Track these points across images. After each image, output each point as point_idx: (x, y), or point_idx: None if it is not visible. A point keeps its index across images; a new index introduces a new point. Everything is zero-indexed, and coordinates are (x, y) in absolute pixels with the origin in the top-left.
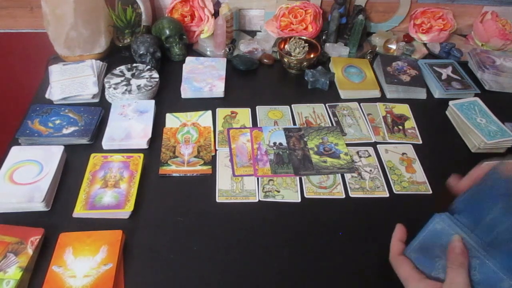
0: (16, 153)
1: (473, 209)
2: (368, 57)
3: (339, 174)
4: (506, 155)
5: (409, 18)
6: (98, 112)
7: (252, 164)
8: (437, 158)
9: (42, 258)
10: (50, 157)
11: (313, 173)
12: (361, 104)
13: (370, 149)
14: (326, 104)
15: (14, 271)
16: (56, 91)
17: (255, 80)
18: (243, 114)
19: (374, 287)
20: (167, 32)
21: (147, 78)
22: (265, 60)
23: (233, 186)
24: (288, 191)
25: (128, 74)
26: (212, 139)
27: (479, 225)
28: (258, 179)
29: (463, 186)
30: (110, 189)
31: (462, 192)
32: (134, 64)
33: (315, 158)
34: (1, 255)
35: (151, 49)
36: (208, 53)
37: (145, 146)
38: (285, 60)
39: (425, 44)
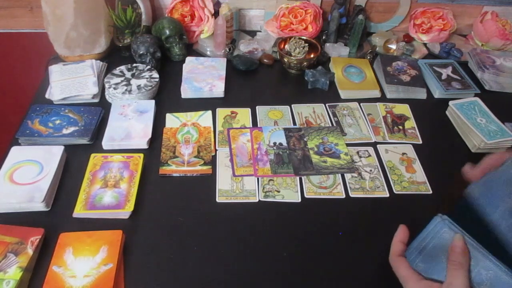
0: (16, 153)
1: (489, 197)
2: (368, 57)
3: (339, 174)
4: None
5: (409, 18)
6: (98, 112)
7: (252, 164)
8: (437, 158)
9: (42, 258)
10: (50, 157)
11: (313, 173)
12: (361, 104)
13: (370, 149)
14: (326, 104)
15: (14, 271)
16: (56, 91)
17: (255, 80)
18: (243, 114)
19: (374, 287)
20: (167, 32)
21: (147, 78)
22: (265, 60)
23: (233, 186)
24: (288, 191)
25: (128, 74)
26: (212, 139)
27: (496, 212)
28: (258, 179)
29: (477, 174)
30: (110, 189)
31: (477, 180)
32: (134, 64)
33: (315, 158)
34: (1, 255)
35: (151, 49)
36: (208, 53)
37: (145, 146)
38: (285, 60)
39: (425, 44)
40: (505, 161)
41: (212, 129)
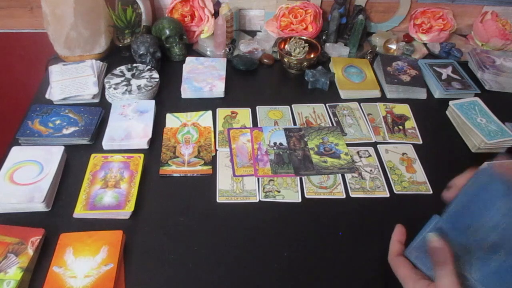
0: (16, 153)
1: (465, 215)
2: (368, 57)
3: (340, 174)
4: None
5: (409, 18)
6: (98, 112)
7: (253, 164)
8: (437, 158)
9: (43, 258)
10: (51, 157)
11: (314, 173)
12: (361, 104)
13: (371, 149)
14: (326, 104)
15: (14, 272)
16: (56, 91)
17: (255, 80)
18: (243, 114)
19: (374, 287)
20: (167, 32)
21: (147, 78)
22: (265, 60)
23: (234, 186)
24: (288, 191)
25: (128, 74)
26: (212, 139)
27: (477, 229)
28: (258, 179)
29: (451, 196)
30: (110, 189)
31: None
32: (134, 64)
33: (315, 158)
34: (1, 256)
35: (151, 49)
36: (208, 53)
37: (145, 146)
38: (285, 60)
39: (425, 44)
40: (477, 175)
41: (212, 129)
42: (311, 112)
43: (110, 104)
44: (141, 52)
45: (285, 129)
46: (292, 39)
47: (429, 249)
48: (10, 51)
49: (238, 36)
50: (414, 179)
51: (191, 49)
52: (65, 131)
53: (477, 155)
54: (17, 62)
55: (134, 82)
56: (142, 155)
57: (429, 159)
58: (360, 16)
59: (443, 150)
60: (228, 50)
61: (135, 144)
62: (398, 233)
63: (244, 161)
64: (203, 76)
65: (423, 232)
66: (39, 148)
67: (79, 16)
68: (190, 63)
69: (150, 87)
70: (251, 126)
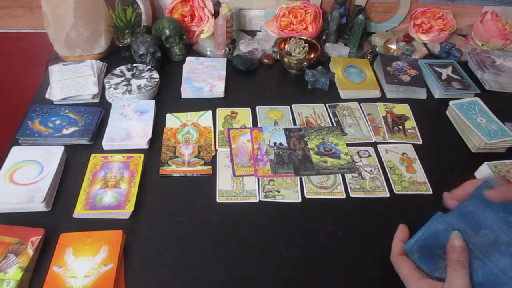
0: (16, 153)
1: (468, 223)
2: (368, 57)
3: (340, 174)
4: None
5: (409, 18)
6: (98, 112)
7: (253, 164)
8: (437, 158)
9: (43, 258)
10: (51, 157)
11: (314, 173)
12: (361, 104)
13: (371, 149)
14: (326, 104)
15: (14, 272)
16: (56, 91)
17: (255, 80)
18: (243, 114)
19: (374, 287)
20: (167, 32)
21: (147, 78)
22: (265, 60)
23: (234, 186)
24: (288, 191)
25: (128, 74)
26: (212, 139)
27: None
28: (258, 179)
29: (457, 196)
30: (110, 189)
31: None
32: (134, 64)
33: (315, 158)
34: (1, 256)
35: (151, 49)
36: (208, 53)
37: (145, 146)
38: (285, 60)
39: (425, 44)
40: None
41: (212, 129)
42: (311, 112)
43: (110, 104)
44: (141, 52)
45: (285, 129)
46: (292, 39)
47: (450, 246)
48: (10, 51)
49: (238, 36)
50: (414, 179)
51: (191, 49)
52: (65, 131)
53: (477, 155)
54: (17, 62)
55: (134, 82)
56: (142, 155)
57: (429, 159)
58: (360, 16)
59: (443, 150)
60: (228, 50)
61: (135, 144)
62: (401, 232)
63: (244, 161)
64: (203, 76)
65: (423, 230)
66: (39, 148)
67: (79, 16)
68: (190, 63)
69: (150, 87)
70: (251, 126)
